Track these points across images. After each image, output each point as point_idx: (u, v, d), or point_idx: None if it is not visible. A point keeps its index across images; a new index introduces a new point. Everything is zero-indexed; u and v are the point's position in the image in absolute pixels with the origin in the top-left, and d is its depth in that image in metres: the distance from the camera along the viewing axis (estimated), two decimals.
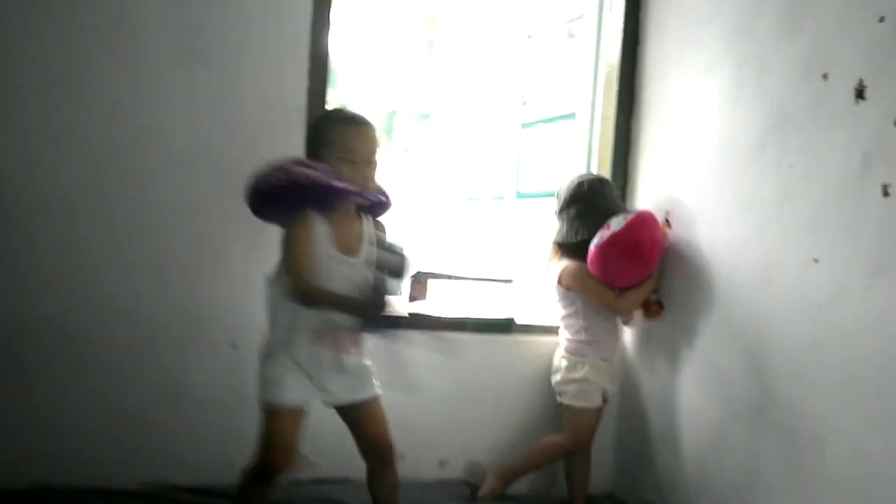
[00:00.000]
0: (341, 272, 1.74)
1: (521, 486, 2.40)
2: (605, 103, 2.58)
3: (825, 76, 1.69)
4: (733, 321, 1.98)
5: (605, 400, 2.33)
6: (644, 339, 2.41)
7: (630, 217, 2.14)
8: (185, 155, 2.13)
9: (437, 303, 2.53)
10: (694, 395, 2.14)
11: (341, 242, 1.76)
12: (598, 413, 2.30)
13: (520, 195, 3.36)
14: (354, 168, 1.75)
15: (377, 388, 1.86)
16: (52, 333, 2.08)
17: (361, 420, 1.85)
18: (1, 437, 2.06)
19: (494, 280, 2.68)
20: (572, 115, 2.94)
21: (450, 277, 2.59)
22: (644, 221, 2.15)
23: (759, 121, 1.90)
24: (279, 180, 1.69)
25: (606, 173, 2.49)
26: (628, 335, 2.47)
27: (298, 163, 1.74)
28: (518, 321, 2.49)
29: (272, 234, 2.19)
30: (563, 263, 2.27)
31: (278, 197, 1.73)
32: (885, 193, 1.53)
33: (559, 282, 2.29)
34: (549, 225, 2.53)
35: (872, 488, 1.53)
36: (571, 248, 2.26)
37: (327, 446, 2.28)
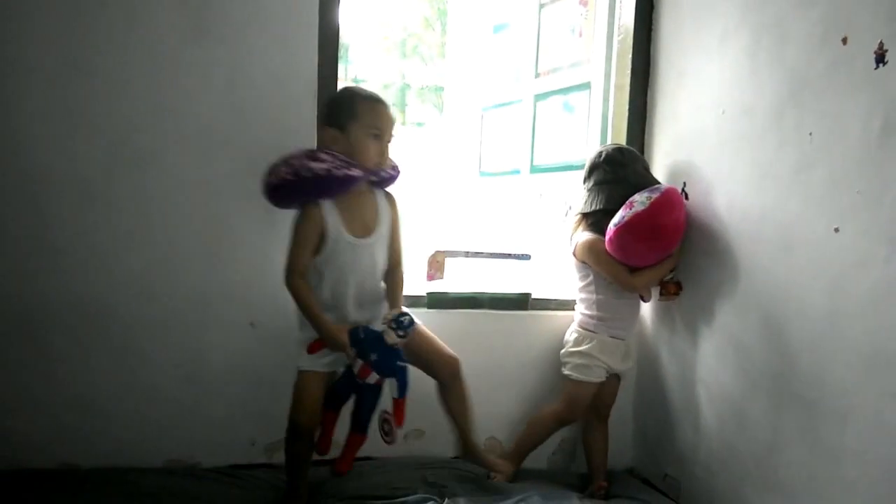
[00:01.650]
0: (355, 253, 1.92)
1: (540, 463, 2.42)
2: (619, 72, 2.55)
3: (845, 41, 1.65)
4: (752, 292, 1.96)
5: (618, 377, 2.33)
6: (662, 312, 2.40)
7: (654, 197, 2.08)
8: (197, 133, 2.13)
9: (453, 280, 2.53)
10: (713, 367, 2.13)
11: (355, 225, 1.92)
12: (599, 388, 2.29)
13: (534, 169, 3.34)
14: (378, 142, 1.91)
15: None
16: (74, 314, 2.10)
17: (414, 348, 1.98)
18: (29, 417, 2.11)
19: (511, 256, 2.67)
20: (587, 86, 2.90)
21: (466, 254, 2.58)
22: (668, 202, 2.09)
23: (777, 88, 1.86)
24: (286, 174, 1.84)
25: (620, 143, 2.46)
26: (647, 308, 2.46)
27: (307, 155, 1.86)
28: (534, 297, 2.49)
29: (287, 212, 2.20)
30: (582, 235, 2.26)
31: (286, 190, 1.87)
32: None
33: (574, 254, 2.28)
34: (565, 198, 2.52)
35: (895, 460, 1.52)
36: (592, 218, 2.24)
37: (340, 424, 2.31)
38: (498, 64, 3.87)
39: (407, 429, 2.33)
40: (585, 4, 3.00)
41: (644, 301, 2.35)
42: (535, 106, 3.37)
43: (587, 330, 2.28)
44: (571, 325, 2.34)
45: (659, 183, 2.23)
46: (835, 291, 1.68)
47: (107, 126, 2.07)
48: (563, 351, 2.33)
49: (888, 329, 1.54)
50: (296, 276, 1.89)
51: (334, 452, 1.99)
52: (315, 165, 1.82)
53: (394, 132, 1.96)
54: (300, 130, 2.18)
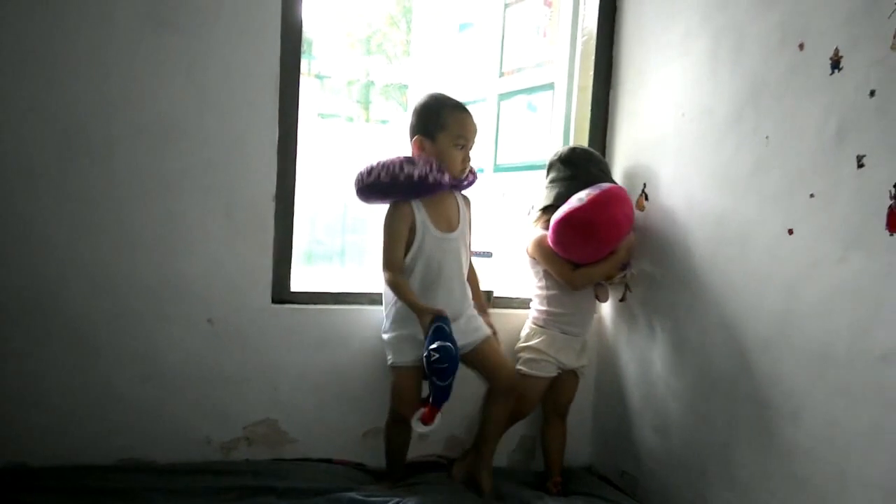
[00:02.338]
0: (441, 247, 2.09)
1: (500, 460, 2.41)
2: (582, 73, 2.56)
3: (801, 46, 1.69)
4: (709, 293, 1.99)
5: (576, 375, 2.35)
6: (621, 311, 2.42)
7: (592, 194, 2.11)
8: (154, 125, 2.08)
9: None
10: (670, 367, 2.16)
11: (440, 221, 2.09)
12: (556, 384, 2.31)
13: (498, 168, 3.34)
14: (463, 151, 2.08)
15: (487, 330, 2.18)
16: (24, 307, 2.04)
17: (480, 358, 2.14)
18: None
19: (473, 254, 2.67)
20: (550, 86, 2.91)
21: None
22: (604, 200, 2.10)
23: (735, 91, 1.90)
24: (383, 178, 2.00)
25: (584, 144, 2.48)
26: (606, 307, 2.48)
27: (405, 160, 2.02)
28: (496, 295, 2.49)
29: (246, 208, 2.17)
30: (535, 231, 2.28)
31: (379, 191, 2.04)
32: (860, 164, 1.53)
33: (526, 250, 2.31)
34: (527, 197, 2.53)
35: (846, 458, 1.56)
36: (546, 215, 2.26)
37: (310, 425, 2.29)
38: (462, 63, 3.87)
39: (365, 427, 2.33)
40: (550, 5, 3.02)
41: (599, 300, 2.36)
42: (498, 105, 3.38)
43: (538, 325, 2.30)
44: (527, 321, 2.35)
45: (613, 182, 2.24)
46: (789, 292, 1.71)
47: (60, 115, 2.01)
48: (515, 346, 2.34)
49: (839, 329, 1.58)
50: (395, 272, 2.04)
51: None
52: (411, 170, 1.99)
53: (476, 139, 2.12)
54: (261, 125, 2.16)
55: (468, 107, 2.14)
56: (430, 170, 2.02)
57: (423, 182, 2.00)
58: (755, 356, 1.82)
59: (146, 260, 2.12)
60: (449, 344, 1.90)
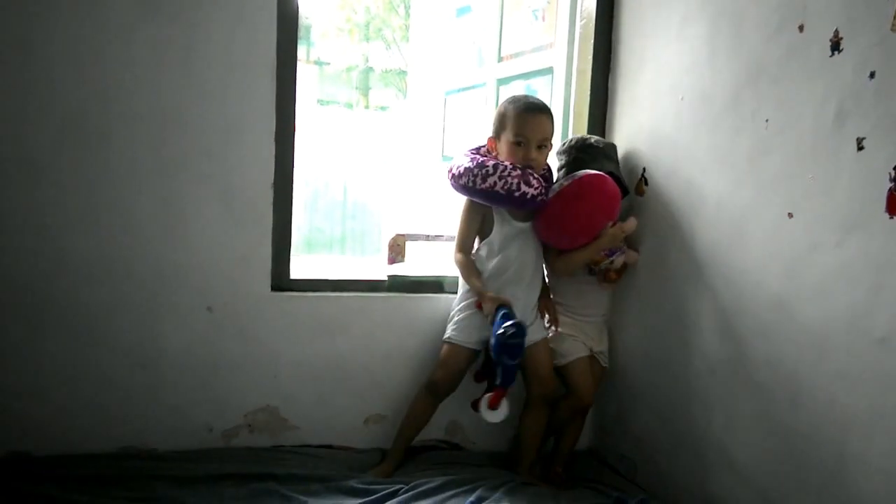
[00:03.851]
0: (519, 236, 2.17)
1: (501, 445, 2.42)
2: (581, 57, 2.54)
3: (801, 28, 1.67)
4: (709, 277, 1.99)
5: (598, 361, 2.35)
6: (621, 297, 2.41)
7: (564, 185, 2.13)
8: (150, 114, 2.07)
9: (414, 263, 2.52)
10: (671, 351, 2.16)
11: (518, 211, 2.16)
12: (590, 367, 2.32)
13: None
14: (523, 149, 2.11)
15: (544, 332, 2.24)
16: (22, 297, 2.04)
17: (525, 358, 2.12)
18: None
19: None
20: (549, 70, 2.90)
21: (427, 237, 2.58)
22: (575, 193, 2.11)
23: (734, 74, 1.88)
24: (497, 188, 2.04)
25: (583, 129, 2.47)
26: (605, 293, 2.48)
27: (521, 176, 2.05)
28: None
29: (244, 196, 2.17)
30: None
31: (473, 194, 2.12)
32: (860, 147, 1.52)
33: None
34: None
35: (845, 441, 1.56)
36: None
37: (310, 412, 2.30)
38: (461, 48, 3.85)
39: (366, 414, 2.34)
40: None
41: (602, 283, 2.33)
42: (497, 90, 3.37)
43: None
44: None
45: (601, 169, 2.18)
46: (788, 276, 1.71)
47: (56, 104, 2.01)
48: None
49: (838, 312, 1.57)
50: (458, 251, 2.18)
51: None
52: (526, 189, 2.04)
53: (544, 136, 2.13)
54: (258, 112, 2.15)
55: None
56: (542, 190, 2.08)
57: (525, 200, 2.06)
58: (754, 340, 1.82)
59: (145, 249, 2.12)
60: (522, 321, 1.99)
